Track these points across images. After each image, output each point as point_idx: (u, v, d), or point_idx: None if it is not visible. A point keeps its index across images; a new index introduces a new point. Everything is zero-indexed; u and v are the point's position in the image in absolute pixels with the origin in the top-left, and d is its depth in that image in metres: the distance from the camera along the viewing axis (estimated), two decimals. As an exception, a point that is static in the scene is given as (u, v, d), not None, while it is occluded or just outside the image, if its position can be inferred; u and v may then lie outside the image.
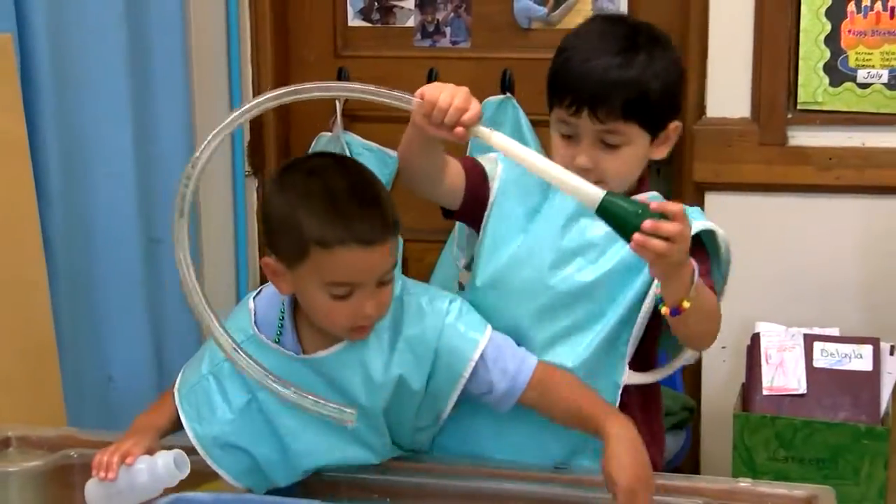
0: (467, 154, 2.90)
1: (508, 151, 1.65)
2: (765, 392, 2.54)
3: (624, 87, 1.74)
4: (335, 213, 1.70)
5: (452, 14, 3.04)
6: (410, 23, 3.08)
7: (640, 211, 1.55)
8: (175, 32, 2.88)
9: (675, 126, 1.84)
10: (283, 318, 1.84)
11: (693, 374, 2.86)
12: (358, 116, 3.11)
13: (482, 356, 1.81)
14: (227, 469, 1.83)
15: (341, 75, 3.09)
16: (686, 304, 1.64)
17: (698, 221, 1.79)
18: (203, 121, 3.04)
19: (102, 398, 2.65)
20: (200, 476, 1.82)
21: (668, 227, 1.55)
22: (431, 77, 3.04)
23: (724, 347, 2.76)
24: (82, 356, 2.61)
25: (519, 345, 1.83)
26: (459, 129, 1.64)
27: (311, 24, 3.14)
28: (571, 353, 1.81)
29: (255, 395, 1.81)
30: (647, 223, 1.54)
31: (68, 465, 1.92)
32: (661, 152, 1.84)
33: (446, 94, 1.64)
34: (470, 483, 1.81)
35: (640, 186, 1.87)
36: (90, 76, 2.62)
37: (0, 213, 2.22)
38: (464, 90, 1.66)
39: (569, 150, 1.79)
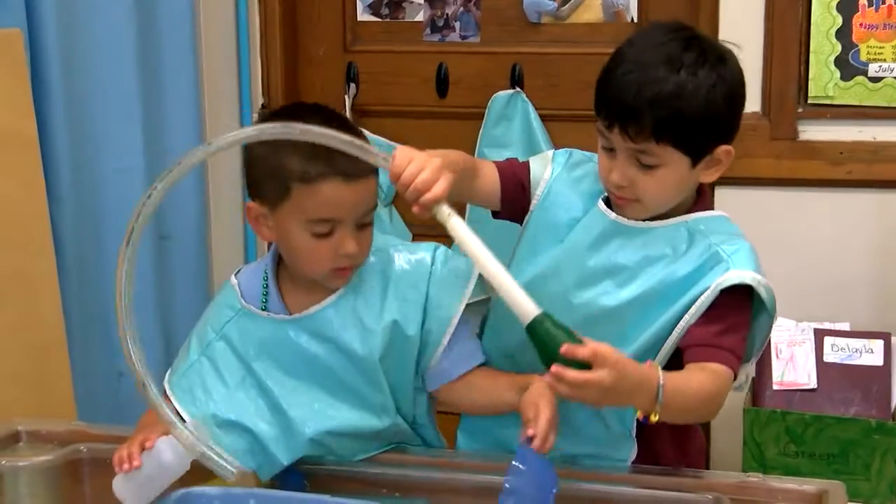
0: (477, 147, 2.94)
1: (461, 242, 1.58)
2: (775, 387, 2.54)
3: (656, 107, 1.63)
4: (316, 150, 1.70)
5: (462, 8, 3.04)
6: (420, 17, 3.07)
7: (561, 344, 1.50)
8: (185, 28, 2.88)
9: (725, 150, 1.72)
10: (266, 284, 1.86)
11: (703, 369, 2.85)
12: (367, 112, 3.11)
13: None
14: (228, 449, 1.82)
15: (350, 70, 3.10)
16: (654, 418, 1.59)
17: (736, 271, 1.69)
18: (213, 116, 3.04)
19: (113, 394, 2.65)
20: (209, 471, 1.82)
21: (570, 376, 1.49)
22: (441, 72, 3.04)
23: (734, 342, 2.75)
24: (92, 352, 2.61)
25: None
26: (415, 208, 1.60)
27: (321, 19, 3.14)
28: None
29: (251, 366, 1.82)
30: (553, 368, 1.49)
31: (78, 459, 1.91)
32: (709, 176, 1.74)
33: (413, 168, 1.57)
34: (480, 477, 1.80)
35: (697, 205, 1.78)
36: (100, 71, 2.62)
37: (10, 209, 2.23)
38: (434, 164, 1.58)
39: (606, 163, 1.73)
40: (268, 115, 1.86)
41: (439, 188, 1.57)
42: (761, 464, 2.47)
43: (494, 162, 1.85)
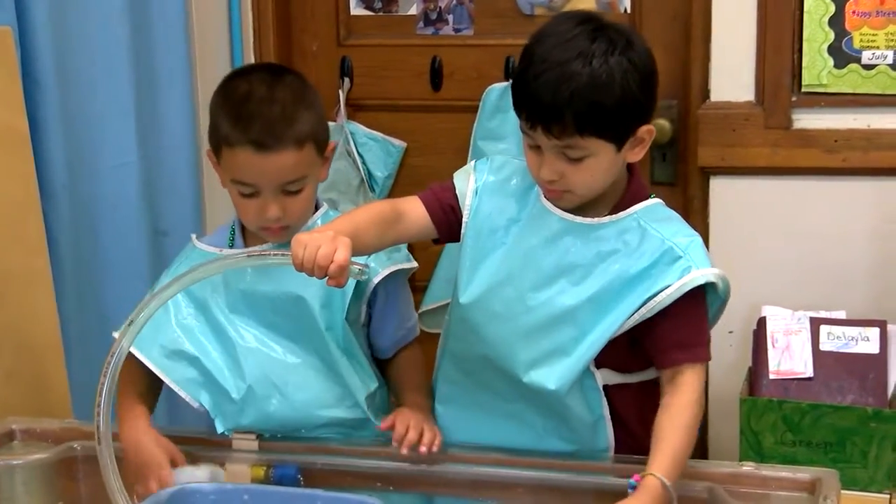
0: (472, 140, 2.94)
1: None
2: (771, 376, 2.53)
3: (575, 102, 1.67)
4: (240, 116, 1.86)
5: (455, 1, 3.03)
6: (413, 11, 3.07)
7: None
8: (178, 23, 2.88)
9: (646, 129, 1.76)
10: (233, 232, 1.99)
11: (700, 358, 2.85)
12: (362, 106, 3.11)
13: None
14: (178, 378, 1.91)
15: (344, 64, 3.09)
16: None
17: (698, 271, 1.74)
18: (206, 112, 3.03)
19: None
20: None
21: None
22: (435, 65, 3.04)
23: (730, 332, 2.75)
24: (90, 350, 2.61)
25: (504, 363, 1.83)
26: (329, 282, 1.63)
27: (314, 13, 3.13)
28: (553, 376, 1.78)
29: (207, 305, 1.91)
30: None
31: (72, 457, 1.93)
32: (634, 156, 1.79)
33: (309, 250, 1.61)
34: (473, 469, 1.82)
35: (632, 184, 1.82)
36: (93, 68, 2.62)
37: (3, 207, 2.22)
38: (326, 237, 1.62)
39: (534, 160, 1.77)
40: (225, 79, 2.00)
41: (340, 255, 1.61)
42: (758, 453, 2.46)
43: (417, 195, 1.89)
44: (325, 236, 1.62)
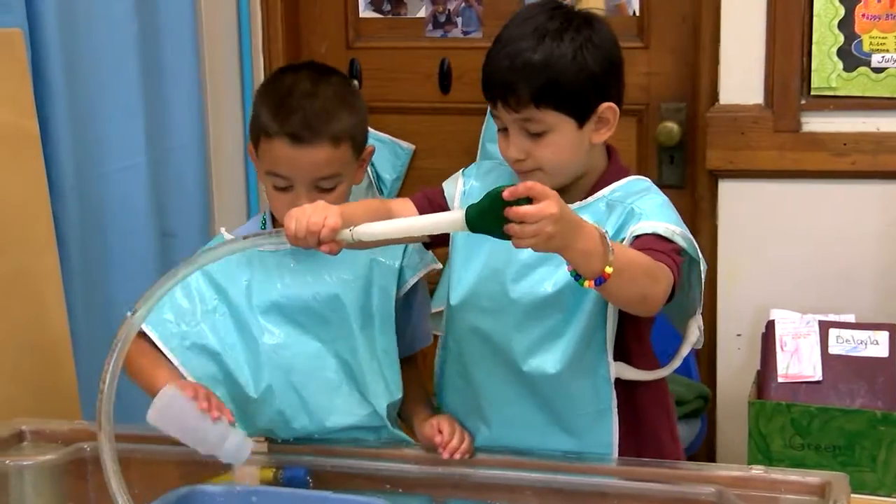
0: (480, 142, 2.94)
1: (376, 234, 1.59)
2: (780, 379, 2.53)
3: (529, 74, 1.72)
4: (280, 107, 1.87)
5: (463, 4, 3.04)
6: (422, 13, 3.07)
7: (496, 205, 1.47)
8: (186, 26, 2.88)
9: (607, 107, 1.78)
10: (264, 225, 1.99)
11: (708, 361, 2.85)
12: (370, 108, 3.04)
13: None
14: (196, 372, 1.89)
15: (353, 67, 3.10)
16: (609, 270, 1.54)
17: (647, 222, 1.73)
18: (215, 114, 3.05)
19: (119, 393, 2.64)
20: (211, 468, 1.83)
21: (524, 209, 1.46)
22: (444, 67, 3.04)
23: (739, 335, 2.75)
24: (98, 351, 2.60)
25: (502, 356, 1.83)
26: (323, 248, 1.61)
27: (322, 16, 3.14)
28: (550, 360, 1.79)
29: (227, 296, 1.90)
30: (509, 211, 1.45)
31: (82, 458, 1.93)
32: (600, 136, 1.80)
33: (301, 220, 1.60)
34: (480, 472, 1.82)
35: (610, 169, 1.83)
36: (102, 70, 2.62)
37: (13, 208, 2.23)
38: (317, 206, 1.62)
39: (502, 143, 1.80)
40: (270, 76, 2.03)
41: (331, 219, 1.60)
42: (767, 456, 2.46)
43: (409, 197, 1.90)
44: (314, 206, 1.63)
